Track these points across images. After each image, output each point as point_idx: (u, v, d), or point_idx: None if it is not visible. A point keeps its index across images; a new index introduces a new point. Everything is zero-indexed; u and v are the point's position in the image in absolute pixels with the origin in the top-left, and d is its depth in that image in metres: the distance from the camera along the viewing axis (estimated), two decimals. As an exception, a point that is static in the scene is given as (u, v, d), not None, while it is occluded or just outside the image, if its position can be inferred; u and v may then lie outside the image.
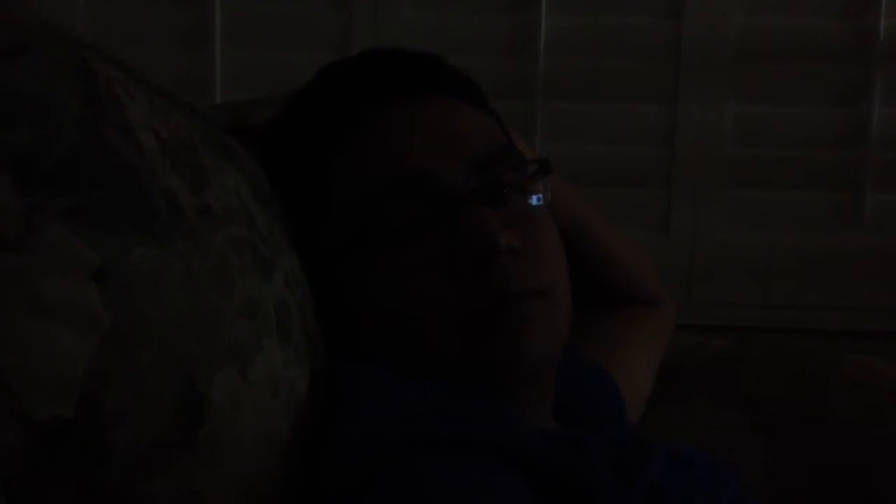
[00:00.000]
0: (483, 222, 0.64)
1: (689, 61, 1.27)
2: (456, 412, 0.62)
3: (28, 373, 0.48)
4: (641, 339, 0.93)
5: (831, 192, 1.30)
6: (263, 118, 0.75)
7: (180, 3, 1.28)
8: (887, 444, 0.98)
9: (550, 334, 0.66)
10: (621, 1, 1.27)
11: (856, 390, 1.04)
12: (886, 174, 1.29)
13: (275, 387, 0.59)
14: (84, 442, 0.49)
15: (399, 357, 0.65)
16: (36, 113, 0.51)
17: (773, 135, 1.30)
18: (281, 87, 0.77)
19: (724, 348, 1.09)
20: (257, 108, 0.77)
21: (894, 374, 1.03)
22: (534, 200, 0.69)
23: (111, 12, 1.28)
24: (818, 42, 1.28)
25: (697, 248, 1.30)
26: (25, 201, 0.49)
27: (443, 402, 0.62)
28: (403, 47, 0.73)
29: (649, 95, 1.28)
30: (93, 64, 0.56)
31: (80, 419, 0.49)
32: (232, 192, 0.61)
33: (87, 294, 0.50)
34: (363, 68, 0.71)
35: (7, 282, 0.48)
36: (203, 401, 0.54)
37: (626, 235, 0.94)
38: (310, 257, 0.68)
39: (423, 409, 0.61)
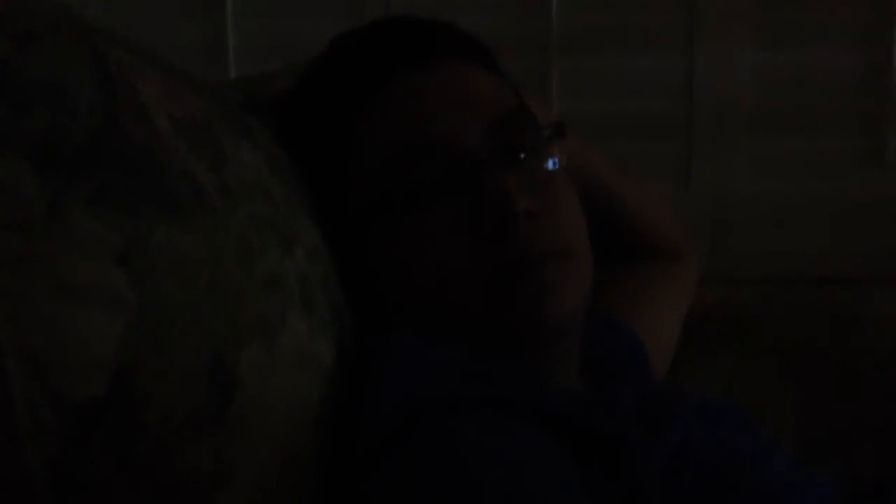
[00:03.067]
0: (501, 186, 0.64)
1: (703, 8, 1.25)
2: (483, 374, 0.62)
3: (60, 354, 0.49)
4: (665, 293, 0.93)
5: (853, 139, 1.28)
6: (279, 91, 0.75)
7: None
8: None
9: (573, 294, 0.66)
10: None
11: (881, 335, 1.03)
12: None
13: (301, 358, 0.60)
14: (118, 419, 0.50)
15: (424, 321, 0.65)
16: (51, 99, 0.51)
17: (792, 81, 1.28)
18: (294, 57, 0.77)
19: (748, 300, 1.09)
20: (272, 81, 0.78)
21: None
22: (550, 162, 0.69)
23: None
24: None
25: (719, 199, 1.29)
26: (47, 187, 0.49)
27: (469, 364, 0.63)
28: (416, 14, 0.73)
29: (665, 47, 1.27)
30: (104, 48, 0.56)
31: (113, 397, 0.50)
32: (250, 168, 0.62)
33: (112, 276, 0.50)
34: (377, 36, 0.71)
35: (33, 267, 0.49)
36: (231, 375, 0.55)
37: (647, 190, 0.94)
38: (331, 227, 0.68)
39: (451, 372, 0.61)
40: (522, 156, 0.67)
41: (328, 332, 0.63)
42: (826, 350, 1.04)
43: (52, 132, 0.51)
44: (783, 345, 1.05)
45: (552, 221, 0.66)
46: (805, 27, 1.27)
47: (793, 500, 0.63)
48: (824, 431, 1.00)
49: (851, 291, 1.11)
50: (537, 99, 0.82)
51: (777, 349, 1.05)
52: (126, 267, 0.51)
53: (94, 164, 0.52)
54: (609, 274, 0.83)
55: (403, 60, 0.68)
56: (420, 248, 0.65)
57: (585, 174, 0.83)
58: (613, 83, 1.27)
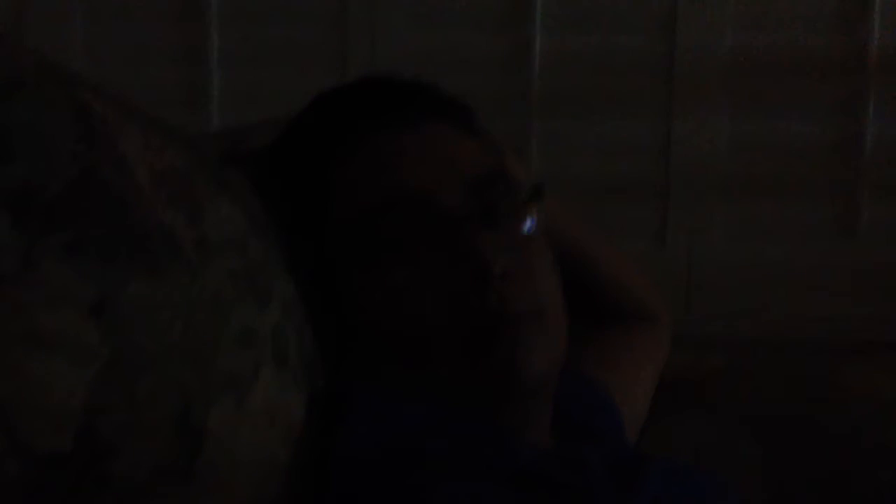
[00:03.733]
0: (478, 246, 0.64)
1: (682, 77, 1.28)
2: (453, 433, 0.62)
3: (27, 405, 0.48)
4: (639, 356, 0.93)
5: (826, 206, 1.31)
6: (260, 144, 0.76)
7: (178, 24, 1.29)
8: (882, 456, 0.98)
9: (546, 355, 0.66)
10: (614, 19, 1.28)
11: (851, 402, 1.04)
12: (880, 187, 1.30)
13: (272, 414, 0.60)
14: (83, 472, 0.50)
15: (397, 376, 0.65)
16: (32, 148, 0.52)
17: (768, 149, 1.30)
18: (278, 107, 0.78)
19: (720, 362, 1.09)
20: (253, 134, 0.78)
21: (888, 385, 1.04)
22: (528, 223, 0.70)
23: (109, 33, 1.28)
24: (811, 57, 1.29)
25: (694, 261, 1.30)
26: (23, 237, 0.50)
27: (439, 423, 0.63)
28: (399, 73, 0.74)
29: (644, 112, 1.29)
30: (87, 99, 0.57)
31: (78, 450, 0.49)
32: (227, 221, 0.62)
33: (84, 327, 0.50)
34: (360, 94, 0.72)
35: (5, 316, 0.49)
36: (200, 430, 0.55)
37: (622, 253, 0.94)
38: (309, 280, 0.68)
39: (420, 431, 0.61)
40: (500, 215, 0.68)
41: (300, 388, 0.63)
42: (797, 415, 1.04)
43: (30, 181, 0.51)
44: (754, 408, 1.06)
45: (527, 282, 0.67)
46: (780, 97, 1.30)
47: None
48: (794, 496, 1.00)
49: (822, 357, 1.12)
50: (516, 159, 0.83)
51: (748, 412, 1.05)
52: (98, 318, 0.51)
53: (72, 215, 0.52)
54: (584, 335, 0.83)
55: (384, 120, 0.69)
56: (395, 303, 0.66)
57: (562, 236, 0.84)
58: (592, 145, 1.29)
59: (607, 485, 0.65)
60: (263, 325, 0.61)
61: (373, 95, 0.72)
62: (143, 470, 0.52)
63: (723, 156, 1.30)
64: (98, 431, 0.50)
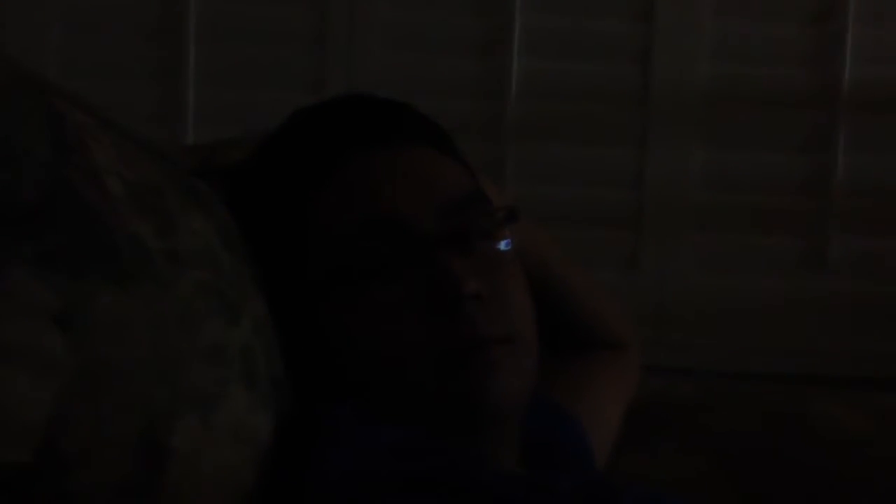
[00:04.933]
0: (450, 269, 0.65)
1: (657, 107, 1.29)
2: (423, 455, 0.62)
3: (-12, 417, 0.47)
4: (609, 383, 0.93)
5: (796, 238, 1.32)
6: (234, 159, 0.75)
7: (153, 39, 1.29)
8: (852, 491, 0.99)
9: (517, 379, 0.66)
10: (591, 47, 1.30)
11: (820, 434, 1.04)
12: (850, 220, 1.31)
13: (238, 433, 0.59)
14: (44, 487, 0.49)
15: (371, 395, 0.65)
16: (2, 157, 0.51)
17: (740, 180, 1.32)
18: (254, 124, 0.77)
19: (689, 392, 1.09)
20: (228, 150, 0.78)
21: (857, 422, 1.04)
22: (501, 246, 0.70)
23: (84, 48, 1.28)
24: (784, 90, 1.31)
25: (664, 290, 1.31)
26: (-11, 245, 0.49)
27: (410, 445, 0.63)
28: (376, 93, 0.74)
29: (618, 140, 1.30)
30: (60, 108, 0.56)
31: (39, 464, 0.48)
32: (199, 235, 0.61)
33: (49, 339, 0.50)
34: (336, 114, 0.72)
35: (-31, 326, 0.48)
36: (165, 447, 0.54)
37: (594, 280, 0.95)
38: (281, 298, 0.68)
39: (391, 453, 0.61)
40: (474, 237, 0.68)
41: (268, 406, 0.62)
42: (766, 446, 1.04)
43: (1, 189, 0.50)
44: (723, 438, 1.06)
45: (500, 305, 0.67)
46: (752, 129, 1.31)
47: None
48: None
49: (791, 389, 1.12)
50: (490, 182, 0.83)
51: (717, 442, 1.05)
52: (64, 330, 0.50)
53: (41, 224, 0.51)
54: (554, 361, 0.83)
55: (361, 140, 0.69)
56: (369, 324, 0.66)
57: (535, 260, 0.84)
58: (567, 172, 1.30)
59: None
60: (233, 342, 0.60)
61: (349, 115, 0.72)
62: (105, 486, 0.51)
63: (696, 186, 1.31)
64: (60, 445, 0.49)
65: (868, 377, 1.27)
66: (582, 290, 0.92)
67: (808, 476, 1.01)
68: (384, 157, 0.68)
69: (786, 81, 1.31)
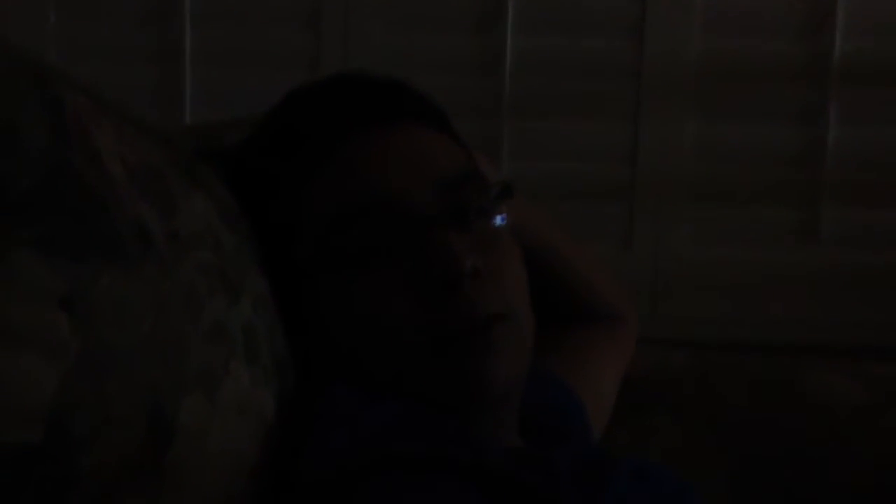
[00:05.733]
0: (448, 246, 0.65)
1: (650, 81, 1.29)
2: (421, 432, 0.63)
3: (-4, 398, 0.48)
4: (605, 355, 0.94)
5: (789, 210, 1.33)
6: (232, 140, 0.76)
7: (150, 22, 1.29)
8: (846, 461, 1.00)
9: (516, 358, 0.67)
10: (584, 23, 1.30)
11: (814, 403, 1.05)
12: (842, 192, 1.32)
13: (242, 410, 0.60)
14: (53, 466, 0.49)
15: (366, 375, 0.66)
16: (3, 141, 0.51)
17: (733, 153, 1.32)
18: (251, 107, 0.78)
19: (685, 363, 1.10)
20: (227, 131, 0.78)
21: (850, 389, 1.05)
22: (497, 222, 0.70)
23: (81, 31, 1.27)
24: (776, 63, 1.31)
25: (659, 263, 1.32)
26: (-8, 229, 0.49)
27: (409, 422, 0.63)
28: (371, 72, 0.74)
29: (612, 115, 1.31)
30: (60, 92, 0.56)
31: (48, 444, 0.49)
32: (200, 217, 0.62)
33: (54, 321, 0.50)
34: (333, 94, 0.72)
35: (-25, 310, 0.48)
36: (170, 425, 0.55)
37: (589, 252, 0.95)
38: (280, 278, 0.68)
39: (390, 431, 0.62)
40: (470, 214, 0.68)
41: (271, 384, 0.63)
42: (761, 416, 1.05)
43: (2, 173, 0.51)
44: (719, 409, 1.07)
45: (497, 281, 0.67)
46: (745, 102, 1.32)
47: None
48: (758, 498, 1.01)
49: (785, 359, 1.13)
50: (485, 159, 0.84)
51: (713, 413, 1.06)
52: (69, 312, 0.51)
53: (43, 208, 0.52)
54: (550, 334, 0.84)
55: (357, 119, 0.69)
56: (367, 305, 0.66)
57: (530, 235, 0.85)
58: (562, 147, 1.30)
59: (574, 485, 0.65)
60: (234, 321, 0.61)
61: (344, 95, 0.72)
62: (113, 465, 0.52)
63: (689, 159, 1.31)
64: (68, 425, 0.50)
65: (862, 346, 1.28)
66: (577, 263, 0.93)
67: (802, 446, 1.01)
68: (380, 136, 0.69)
69: (777, 54, 1.31)
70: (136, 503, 0.53)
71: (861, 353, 1.19)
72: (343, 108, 0.70)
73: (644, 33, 1.29)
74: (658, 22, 1.29)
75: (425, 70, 0.79)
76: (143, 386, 0.54)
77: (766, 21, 1.31)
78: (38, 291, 0.50)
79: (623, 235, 1.31)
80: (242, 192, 0.70)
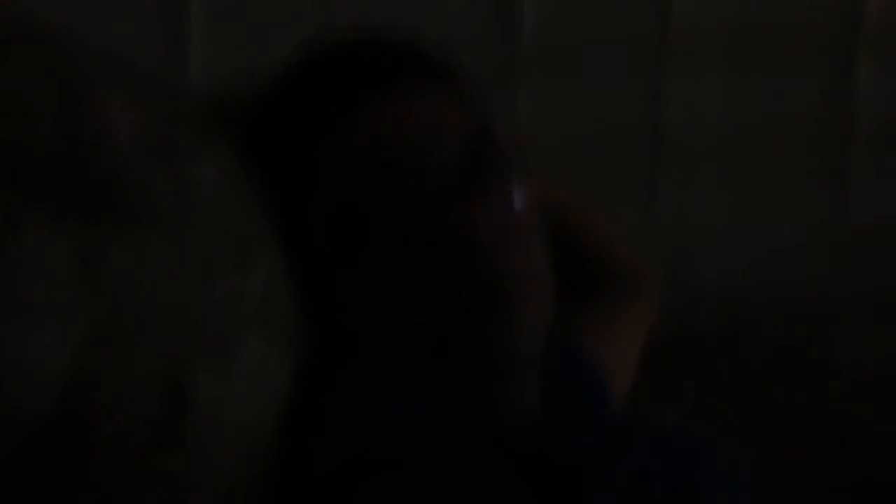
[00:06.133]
0: (469, 213, 0.64)
1: (675, 43, 1.27)
2: (440, 410, 0.62)
3: (10, 371, 0.48)
4: (627, 319, 0.93)
5: (819, 170, 1.31)
6: (246, 103, 0.74)
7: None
8: (871, 420, 0.99)
9: (537, 326, 0.66)
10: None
11: (842, 362, 1.05)
12: (874, 152, 1.29)
13: (257, 382, 0.60)
14: (69, 437, 0.49)
15: (385, 347, 0.65)
16: (13, 111, 0.51)
17: (758, 116, 1.30)
18: (261, 67, 0.76)
19: (708, 325, 1.09)
20: (239, 92, 0.77)
21: (879, 348, 1.04)
22: (516, 188, 0.69)
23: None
24: (806, 20, 1.28)
25: (683, 225, 1.30)
26: (3, 202, 0.49)
27: (428, 400, 0.63)
28: (386, 34, 0.72)
29: (635, 75, 1.28)
30: (71, 59, 0.56)
31: (63, 415, 0.49)
32: (213, 185, 0.61)
33: (67, 293, 0.50)
34: (349, 57, 0.71)
35: (-14, 282, 0.48)
36: (187, 395, 0.54)
37: (608, 218, 0.94)
38: (295, 248, 0.68)
39: (409, 409, 0.61)
40: (491, 182, 0.67)
41: (285, 355, 0.63)
42: (786, 376, 1.05)
43: (12, 144, 0.50)
44: (743, 370, 1.06)
45: (519, 249, 0.66)
46: (775, 61, 1.29)
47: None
48: (783, 458, 1.01)
49: (812, 318, 1.12)
50: (502, 124, 0.82)
51: (737, 375, 1.06)
52: (80, 283, 0.50)
53: (54, 179, 0.51)
54: (570, 301, 0.83)
55: (374, 83, 0.68)
56: (384, 276, 0.65)
57: (548, 201, 0.84)
58: (581, 112, 1.28)
59: (595, 454, 0.65)
60: (248, 292, 0.60)
61: (362, 58, 0.70)
62: (129, 437, 0.52)
63: (713, 122, 1.29)
64: (84, 397, 0.50)
65: (891, 313, 1.26)
66: (596, 228, 0.92)
67: (827, 404, 1.01)
68: (398, 98, 0.68)
69: (809, 12, 1.28)
70: (154, 477, 0.53)
71: (890, 318, 1.18)
72: (359, 72, 0.69)
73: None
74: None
75: (440, 33, 0.77)
76: (158, 357, 0.53)
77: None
78: (49, 263, 0.50)
79: (646, 197, 1.30)
80: (256, 158, 0.70)
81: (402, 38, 0.72)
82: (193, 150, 0.62)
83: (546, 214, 0.76)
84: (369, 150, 0.66)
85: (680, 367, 1.05)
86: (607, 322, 0.91)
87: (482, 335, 0.64)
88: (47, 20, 0.58)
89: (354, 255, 0.66)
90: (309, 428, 0.61)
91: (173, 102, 0.64)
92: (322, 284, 0.67)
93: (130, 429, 0.52)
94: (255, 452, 0.59)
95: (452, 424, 0.60)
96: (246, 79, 0.79)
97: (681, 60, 1.27)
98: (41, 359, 0.49)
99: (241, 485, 0.58)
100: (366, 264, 0.66)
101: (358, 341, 0.66)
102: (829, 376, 1.03)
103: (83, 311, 0.50)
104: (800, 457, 1.00)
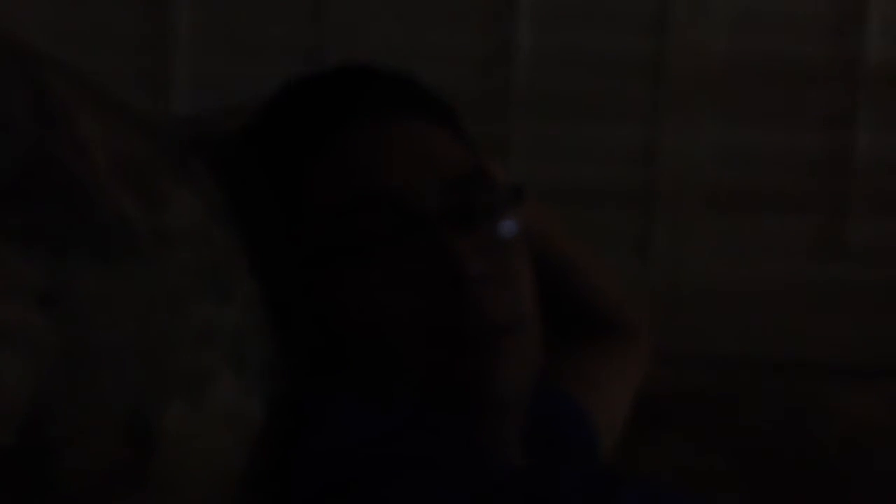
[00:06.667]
0: (454, 247, 0.63)
1: (670, 81, 1.26)
2: (421, 444, 0.61)
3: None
4: (618, 370, 0.92)
5: (814, 220, 1.30)
6: (228, 130, 0.74)
7: (142, 7, 1.27)
8: (866, 484, 0.97)
9: (522, 367, 0.65)
10: (603, 18, 1.27)
11: (832, 423, 1.03)
12: (870, 202, 1.29)
13: (229, 417, 0.58)
14: (28, 470, 0.47)
15: (367, 374, 0.64)
16: (-15, 128, 0.50)
17: (756, 160, 1.29)
18: (249, 96, 0.75)
19: (700, 380, 1.08)
20: (221, 120, 0.76)
21: (871, 409, 1.03)
22: (505, 226, 0.68)
23: (71, 15, 1.26)
24: (803, 66, 1.28)
25: (675, 274, 1.29)
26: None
27: (408, 433, 0.61)
28: (377, 64, 0.72)
29: (631, 116, 1.28)
30: (46, 78, 0.54)
31: (23, 446, 0.47)
32: (189, 212, 0.60)
33: (33, 318, 0.48)
34: (335, 85, 0.70)
35: (-51, 304, 0.46)
36: (153, 431, 0.52)
37: (603, 262, 0.93)
38: (276, 274, 0.66)
39: (386, 440, 0.60)
40: (477, 215, 0.66)
41: (260, 389, 0.61)
42: (777, 435, 1.03)
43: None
44: (734, 427, 1.05)
45: (504, 289, 0.65)
46: (770, 106, 1.28)
47: None
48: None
49: (804, 377, 1.11)
50: (495, 162, 0.81)
51: (727, 432, 1.04)
52: (48, 309, 0.49)
53: (24, 198, 0.50)
54: (561, 346, 0.82)
55: (359, 111, 0.67)
56: (366, 299, 0.64)
57: (541, 241, 0.83)
58: (575, 148, 1.28)
59: (580, 502, 0.63)
60: (223, 324, 0.59)
61: (347, 86, 0.70)
62: (92, 470, 0.50)
63: (710, 165, 1.28)
64: (45, 427, 0.48)
65: (888, 367, 1.25)
66: (590, 271, 0.91)
67: (819, 469, 0.99)
68: (383, 129, 0.67)
69: (805, 57, 1.28)
70: (118, 511, 0.51)
71: (888, 373, 1.16)
72: (345, 100, 0.68)
73: (667, 30, 1.25)
74: (683, 18, 1.26)
75: (431, 64, 0.77)
76: (125, 390, 0.52)
77: (795, 20, 1.28)
78: (16, 287, 0.48)
79: (639, 244, 1.29)
80: (237, 184, 0.69)
81: (391, 68, 0.71)
82: (172, 176, 0.61)
83: (540, 251, 0.75)
84: (351, 178, 0.65)
85: (669, 421, 1.04)
86: (598, 370, 0.89)
87: (465, 371, 0.62)
88: (29, 42, 0.57)
89: (335, 276, 0.65)
90: (286, 457, 0.59)
91: (151, 128, 0.63)
92: (301, 303, 0.66)
93: (93, 463, 0.50)
94: (225, 485, 0.57)
95: (433, 458, 0.58)
96: (229, 106, 0.78)
97: (678, 98, 1.27)
98: (3, 385, 0.47)
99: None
100: (345, 284, 0.64)
101: (338, 371, 0.65)
102: (825, 435, 1.01)
103: (49, 337, 0.48)
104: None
